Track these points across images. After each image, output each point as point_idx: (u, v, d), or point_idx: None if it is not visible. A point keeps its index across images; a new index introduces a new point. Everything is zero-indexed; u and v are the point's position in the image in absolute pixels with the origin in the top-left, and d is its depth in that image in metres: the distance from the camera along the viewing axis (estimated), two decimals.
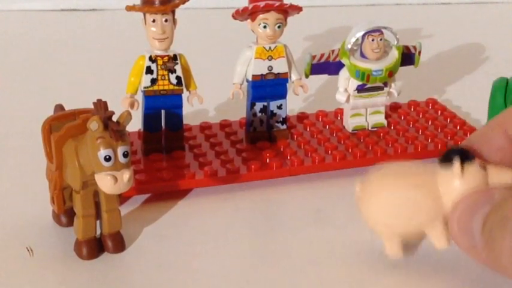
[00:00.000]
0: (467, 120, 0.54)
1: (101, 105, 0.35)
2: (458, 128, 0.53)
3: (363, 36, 0.49)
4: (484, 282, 0.36)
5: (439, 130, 0.53)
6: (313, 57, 0.50)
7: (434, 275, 0.38)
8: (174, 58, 0.46)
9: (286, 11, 0.47)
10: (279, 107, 0.50)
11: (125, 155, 0.35)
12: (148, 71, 0.45)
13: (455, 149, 0.33)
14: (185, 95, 0.47)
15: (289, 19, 0.48)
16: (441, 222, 0.32)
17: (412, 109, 0.56)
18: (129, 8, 0.44)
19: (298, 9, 0.47)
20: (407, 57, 0.51)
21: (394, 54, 0.50)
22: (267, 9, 0.46)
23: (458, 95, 0.63)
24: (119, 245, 0.39)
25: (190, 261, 0.39)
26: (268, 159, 0.48)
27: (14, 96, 0.63)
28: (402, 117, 0.55)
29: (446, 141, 0.51)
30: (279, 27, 0.47)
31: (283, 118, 0.51)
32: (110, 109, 0.36)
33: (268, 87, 0.49)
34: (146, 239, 0.41)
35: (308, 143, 0.50)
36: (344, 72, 0.50)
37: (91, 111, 0.36)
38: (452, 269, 0.38)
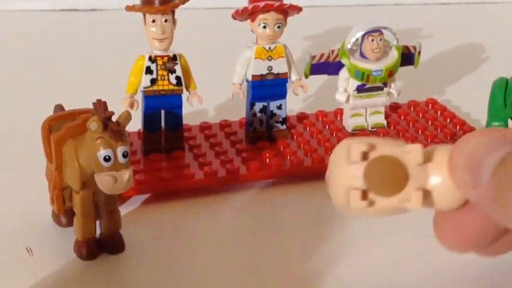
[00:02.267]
0: (467, 121, 0.54)
1: (100, 106, 0.35)
2: (458, 128, 0.53)
3: (363, 36, 0.49)
4: None
5: (438, 130, 0.53)
6: (313, 57, 0.50)
7: (436, 276, 0.38)
8: (174, 58, 0.46)
9: (286, 11, 0.47)
10: (279, 107, 0.50)
11: (125, 155, 0.35)
12: (148, 71, 0.45)
13: None
14: (185, 95, 0.47)
15: (289, 19, 0.48)
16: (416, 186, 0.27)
17: (412, 109, 0.56)
18: (129, 8, 0.44)
19: (298, 9, 0.47)
20: (407, 57, 0.52)
21: (394, 55, 0.50)
22: (266, 9, 0.46)
23: (458, 95, 0.63)
24: (119, 245, 0.39)
25: (190, 261, 0.39)
26: (268, 159, 0.48)
27: (14, 96, 0.63)
28: (402, 118, 0.55)
29: (446, 141, 0.51)
30: (278, 27, 0.47)
31: (283, 118, 0.51)
32: (109, 109, 0.36)
33: (268, 88, 0.49)
34: (146, 239, 0.41)
35: (308, 143, 0.50)
36: (344, 73, 0.50)
37: (91, 111, 0.36)
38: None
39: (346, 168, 0.26)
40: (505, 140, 0.25)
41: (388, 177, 0.26)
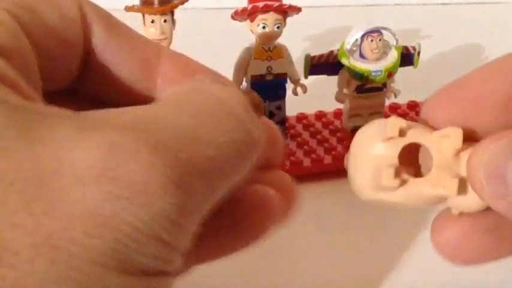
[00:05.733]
0: None
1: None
2: None
3: (362, 36, 0.49)
4: None
5: None
6: (312, 57, 0.50)
7: (438, 276, 0.38)
8: None
9: (285, 12, 0.47)
10: (278, 108, 0.50)
11: None
12: None
13: None
14: None
15: (289, 19, 0.48)
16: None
17: (412, 110, 0.56)
18: (128, 9, 0.44)
19: (297, 9, 0.47)
20: (407, 57, 0.51)
21: (394, 55, 0.50)
22: (266, 9, 0.46)
23: None
24: None
25: None
26: None
27: None
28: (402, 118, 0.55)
29: None
30: (278, 27, 0.47)
31: (282, 118, 0.51)
32: None
33: (267, 88, 0.49)
34: None
35: (307, 143, 0.50)
36: (343, 73, 0.50)
37: None
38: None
39: (380, 144, 0.24)
40: None
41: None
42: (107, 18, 0.24)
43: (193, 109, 0.20)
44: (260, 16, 0.46)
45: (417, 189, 0.24)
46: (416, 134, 0.24)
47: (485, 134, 0.23)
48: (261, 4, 0.46)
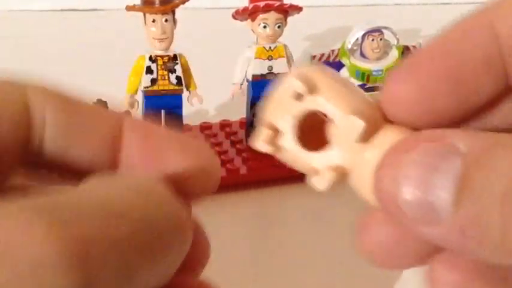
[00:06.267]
0: None
1: (101, 105, 0.35)
2: None
3: (363, 36, 0.49)
4: None
5: None
6: (313, 57, 0.50)
7: None
8: (174, 58, 0.46)
9: (286, 11, 0.47)
10: None
11: None
12: (149, 71, 0.45)
13: None
14: (185, 95, 0.47)
15: (289, 19, 0.48)
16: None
17: None
18: (129, 8, 0.44)
19: (298, 9, 0.47)
20: None
21: (394, 54, 0.50)
22: (267, 9, 0.46)
23: None
24: None
25: None
26: (268, 159, 0.48)
27: None
28: None
29: None
30: (279, 27, 0.47)
31: None
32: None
33: (268, 87, 0.49)
34: None
35: None
36: (344, 73, 0.50)
37: None
38: None
39: (271, 102, 0.21)
40: (447, 149, 0.16)
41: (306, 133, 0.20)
42: (60, 99, 0.21)
43: (105, 186, 0.18)
44: (261, 15, 0.46)
45: (292, 158, 0.21)
46: (323, 102, 0.20)
47: (466, 112, 0.18)
48: (262, 4, 0.46)
